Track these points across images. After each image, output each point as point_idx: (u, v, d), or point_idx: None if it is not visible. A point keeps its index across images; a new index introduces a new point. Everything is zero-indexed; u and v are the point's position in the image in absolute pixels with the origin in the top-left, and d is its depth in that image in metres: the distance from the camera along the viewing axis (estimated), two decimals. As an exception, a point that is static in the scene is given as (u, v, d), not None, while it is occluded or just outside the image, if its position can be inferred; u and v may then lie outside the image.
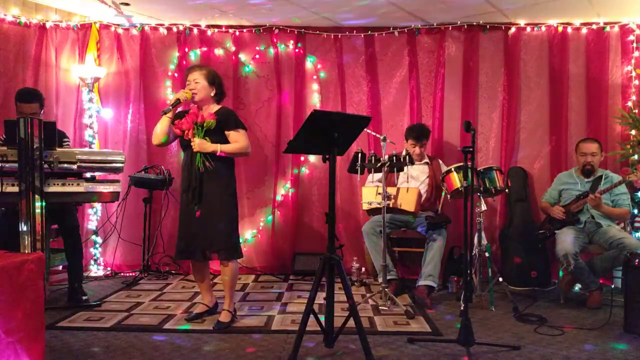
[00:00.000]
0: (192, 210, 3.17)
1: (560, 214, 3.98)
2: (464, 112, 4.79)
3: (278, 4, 4.34)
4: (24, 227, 2.95)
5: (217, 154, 3.13)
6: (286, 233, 4.91)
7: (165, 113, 3.16)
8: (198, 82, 3.21)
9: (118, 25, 4.88)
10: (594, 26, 4.67)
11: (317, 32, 4.89)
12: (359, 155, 3.63)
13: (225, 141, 3.20)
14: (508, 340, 2.97)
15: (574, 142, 4.34)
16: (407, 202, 3.76)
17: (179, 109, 3.27)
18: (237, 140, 3.21)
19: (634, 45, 4.60)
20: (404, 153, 3.79)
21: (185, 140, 3.17)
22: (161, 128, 3.20)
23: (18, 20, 4.59)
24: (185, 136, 3.14)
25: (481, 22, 4.72)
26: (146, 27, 4.90)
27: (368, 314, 3.52)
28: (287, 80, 4.93)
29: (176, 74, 4.89)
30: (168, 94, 4.91)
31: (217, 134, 3.16)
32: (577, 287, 4.12)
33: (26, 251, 2.92)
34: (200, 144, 3.10)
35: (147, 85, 4.91)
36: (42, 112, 3.69)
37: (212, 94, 3.27)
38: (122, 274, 4.80)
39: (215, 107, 3.28)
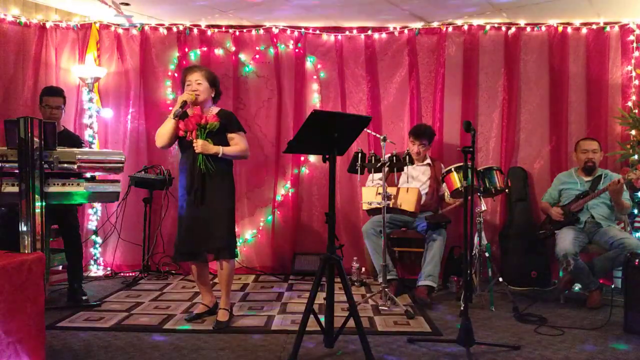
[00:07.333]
0: (194, 211, 3.17)
1: (558, 215, 3.98)
2: (464, 112, 4.79)
3: (278, 3, 4.34)
4: (24, 227, 2.95)
5: (219, 156, 3.14)
6: (286, 233, 4.90)
7: (177, 116, 3.11)
8: (200, 82, 3.20)
9: (118, 25, 4.88)
10: (594, 26, 4.67)
11: (317, 32, 4.89)
12: (359, 155, 3.62)
13: (225, 142, 3.21)
14: (508, 341, 2.97)
15: (574, 142, 4.34)
16: (407, 202, 3.76)
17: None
18: (238, 142, 3.24)
19: (634, 45, 4.61)
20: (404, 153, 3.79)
21: (186, 141, 3.17)
22: (167, 130, 3.18)
23: (18, 20, 4.59)
24: (188, 137, 3.14)
25: (481, 22, 4.73)
26: (146, 27, 4.90)
27: (368, 314, 3.51)
28: (287, 80, 4.93)
29: (176, 74, 4.88)
30: (168, 94, 4.92)
31: (217, 136, 3.17)
32: (577, 287, 4.12)
33: (26, 251, 2.91)
34: (202, 145, 3.10)
35: (147, 85, 4.91)
36: (64, 108, 3.92)
37: (212, 95, 3.29)
38: (122, 274, 4.80)
39: (214, 109, 3.28)
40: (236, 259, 3.42)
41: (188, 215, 3.21)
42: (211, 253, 3.22)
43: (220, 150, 3.14)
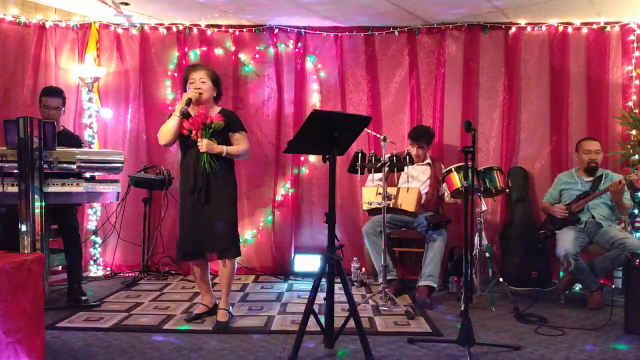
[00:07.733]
0: (198, 211, 3.17)
1: (562, 211, 3.97)
2: (464, 112, 4.78)
3: (278, 3, 4.33)
4: (23, 227, 2.95)
5: (223, 155, 3.14)
6: (286, 233, 4.90)
7: (183, 114, 3.12)
8: (204, 81, 3.21)
9: (118, 24, 4.88)
10: (595, 26, 4.66)
11: (317, 32, 4.89)
12: (359, 155, 3.62)
13: (227, 142, 3.22)
14: (508, 341, 2.96)
15: (575, 142, 4.33)
16: (407, 202, 3.76)
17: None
18: (240, 142, 3.26)
19: (635, 45, 4.60)
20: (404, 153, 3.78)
21: (189, 140, 3.17)
22: (172, 128, 3.16)
23: (18, 20, 4.59)
24: (193, 137, 3.13)
25: (481, 21, 4.72)
26: (146, 27, 4.89)
27: (368, 314, 3.51)
28: (287, 80, 4.92)
29: (176, 74, 4.88)
30: (168, 93, 4.91)
31: (220, 135, 3.18)
32: (578, 287, 4.12)
33: (26, 251, 2.91)
34: (207, 144, 3.10)
35: (146, 85, 4.91)
36: (63, 109, 3.92)
37: (215, 95, 3.29)
38: (121, 274, 4.80)
39: (216, 108, 3.29)
40: (238, 258, 3.42)
41: (191, 214, 3.21)
42: (215, 252, 3.21)
43: (224, 149, 3.15)
